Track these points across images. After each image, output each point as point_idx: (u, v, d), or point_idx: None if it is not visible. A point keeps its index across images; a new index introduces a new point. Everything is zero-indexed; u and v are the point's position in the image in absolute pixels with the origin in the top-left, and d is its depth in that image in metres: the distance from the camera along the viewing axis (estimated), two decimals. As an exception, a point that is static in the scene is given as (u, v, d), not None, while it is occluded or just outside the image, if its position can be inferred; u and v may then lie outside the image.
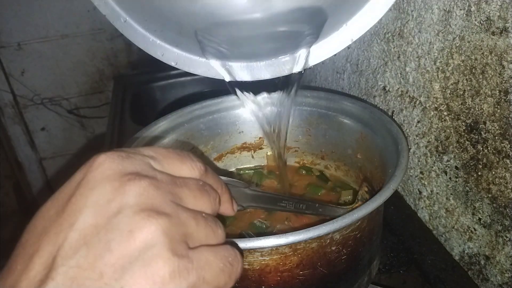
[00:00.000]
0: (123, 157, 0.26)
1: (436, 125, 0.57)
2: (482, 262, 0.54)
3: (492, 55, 0.45)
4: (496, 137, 0.47)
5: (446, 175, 0.57)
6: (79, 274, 0.22)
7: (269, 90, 0.60)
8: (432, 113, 0.57)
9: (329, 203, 0.57)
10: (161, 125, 0.59)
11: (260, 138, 0.67)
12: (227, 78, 0.55)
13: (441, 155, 0.57)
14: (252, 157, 0.68)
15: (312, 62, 0.54)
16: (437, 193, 0.60)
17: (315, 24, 0.51)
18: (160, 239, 0.24)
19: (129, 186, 0.24)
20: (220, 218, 0.29)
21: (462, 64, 0.50)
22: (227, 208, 0.31)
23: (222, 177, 0.32)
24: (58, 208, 0.25)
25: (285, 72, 0.55)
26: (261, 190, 0.51)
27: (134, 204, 0.24)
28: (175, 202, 0.26)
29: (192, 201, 0.27)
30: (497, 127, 0.47)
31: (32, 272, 0.23)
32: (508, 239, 0.49)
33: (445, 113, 0.55)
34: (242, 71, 0.56)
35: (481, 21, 0.45)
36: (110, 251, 0.23)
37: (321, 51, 0.54)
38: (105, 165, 0.25)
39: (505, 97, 0.45)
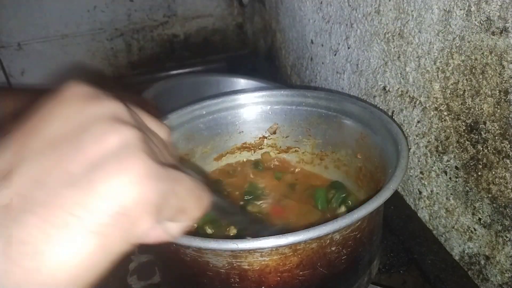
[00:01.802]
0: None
1: (436, 125, 0.57)
2: (482, 262, 0.54)
3: (492, 55, 0.45)
4: (496, 137, 0.47)
5: (446, 175, 0.57)
6: (41, 175, 0.21)
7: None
8: (432, 113, 0.57)
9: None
10: (161, 125, 0.59)
11: (260, 138, 0.67)
12: None
13: (441, 155, 0.57)
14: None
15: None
16: (437, 193, 0.60)
17: None
18: (136, 142, 0.22)
19: (105, 101, 0.24)
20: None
21: (462, 64, 0.50)
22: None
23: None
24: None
25: None
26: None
27: (110, 113, 0.23)
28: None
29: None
30: (497, 127, 0.47)
31: None
32: (508, 239, 0.49)
33: (445, 113, 0.55)
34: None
35: (481, 21, 0.45)
36: (79, 150, 0.21)
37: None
38: (79, 88, 0.24)
39: (505, 97, 0.45)
